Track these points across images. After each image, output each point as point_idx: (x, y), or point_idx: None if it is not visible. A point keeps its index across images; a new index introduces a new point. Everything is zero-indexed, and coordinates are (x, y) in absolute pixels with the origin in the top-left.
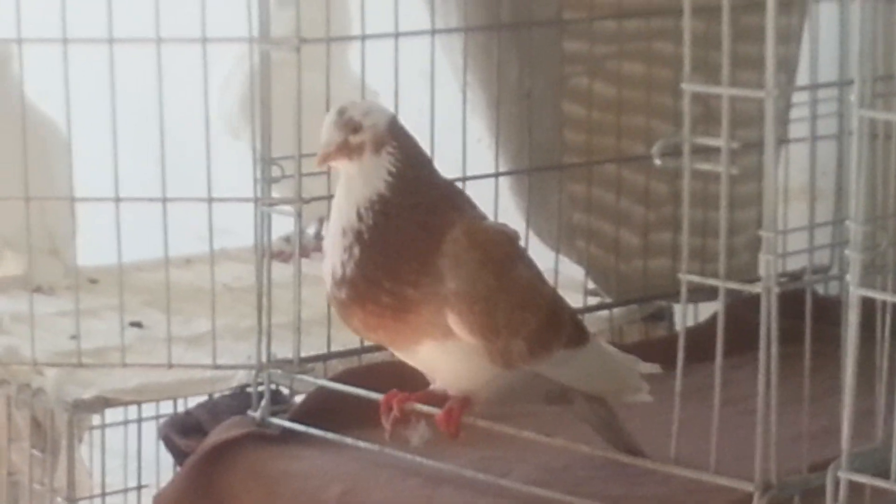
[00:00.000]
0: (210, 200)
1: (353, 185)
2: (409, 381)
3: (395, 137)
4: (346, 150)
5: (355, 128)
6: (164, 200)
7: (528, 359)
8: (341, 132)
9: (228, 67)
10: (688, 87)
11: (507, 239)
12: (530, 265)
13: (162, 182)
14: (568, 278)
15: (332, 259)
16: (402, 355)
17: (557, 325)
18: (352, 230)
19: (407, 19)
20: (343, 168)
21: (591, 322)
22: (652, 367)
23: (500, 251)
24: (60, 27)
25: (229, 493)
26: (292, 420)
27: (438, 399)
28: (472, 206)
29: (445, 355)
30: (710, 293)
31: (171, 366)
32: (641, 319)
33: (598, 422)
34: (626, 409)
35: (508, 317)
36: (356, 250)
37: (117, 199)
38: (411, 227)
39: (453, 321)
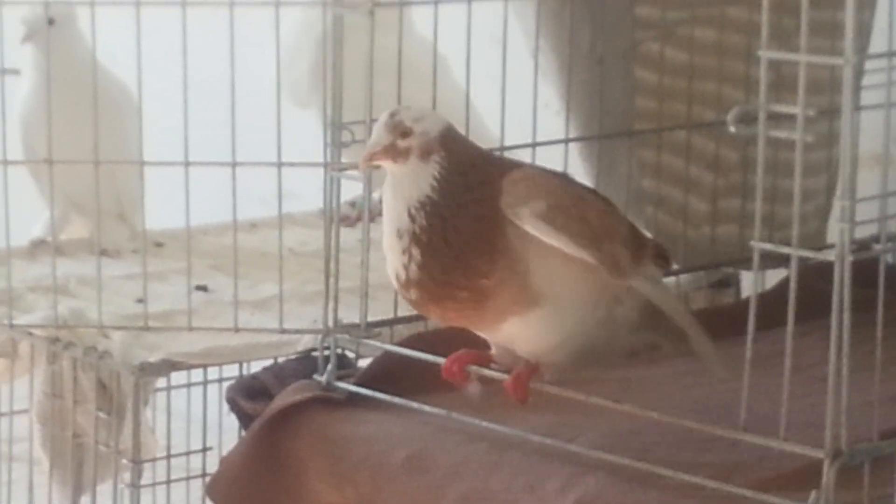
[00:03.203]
0: (280, 165)
1: (399, 186)
2: (475, 345)
3: (446, 147)
4: (392, 152)
5: (405, 132)
6: (234, 165)
7: (633, 266)
8: (390, 135)
9: (294, 34)
10: (765, 54)
11: (560, 173)
12: None
13: (232, 146)
14: None
15: (393, 261)
16: (482, 333)
17: (641, 235)
18: (407, 232)
19: None
20: (388, 169)
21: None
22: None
23: (558, 179)
24: None
25: (295, 456)
26: (358, 384)
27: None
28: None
29: (528, 327)
30: (777, 260)
31: (237, 330)
32: (708, 286)
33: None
34: (692, 376)
35: (599, 222)
36: (415, 252)
37: (187, 164)
38: (469, 221)
39: (556, 238)
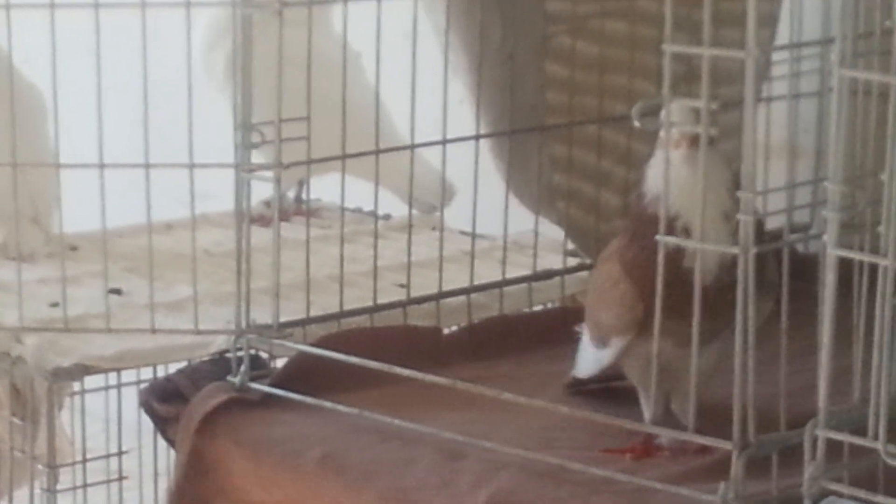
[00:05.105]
0: (192, 166)
1: (710, 171)
2: (384, 346)
3: None
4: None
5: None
6: (147, 166)
7: None
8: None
9: (210, 32)
10: (668, 48)
11: None
12: None
13: (145, 148)
14: (548, 239)
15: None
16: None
17: None
18: (734, 213)
19: None
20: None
21: (571, 283)
22: None
23: None
24: None
25: (218, 459)
26: (273, 385)
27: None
28: None
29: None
30: None
31: (154, 331)
32: None
33: None
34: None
35: None
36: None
37: (101, 166)
38: None
39: None
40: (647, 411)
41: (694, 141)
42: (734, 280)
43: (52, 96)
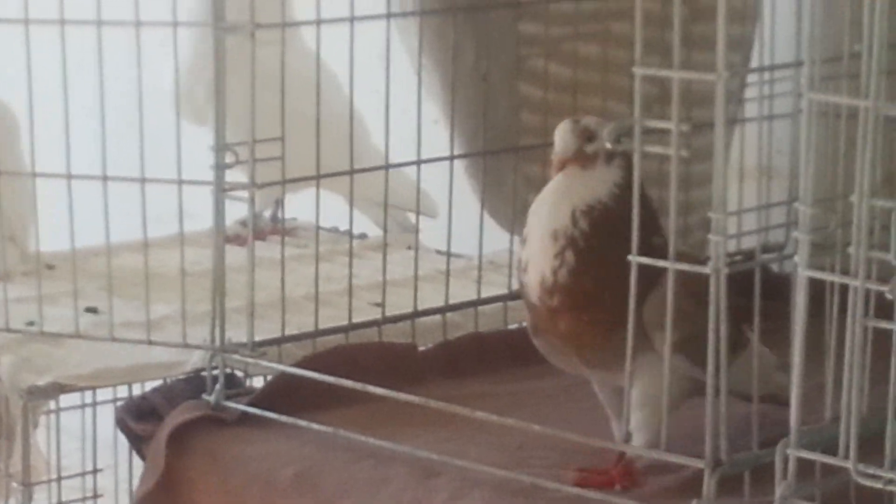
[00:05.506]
0: (180, 182)
1: (571, 189)
2: (360, 364)
3: (625, 151)
4: (581, 158)
5: (590, 136)
6: (143, 181)
7: None
8: (577, 140)
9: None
10: (639, 71)
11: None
12: None
13: (140, 162)
14: None
15: (540, 264)
16: (599, 379)
17: None
18: (564, 234)
19: (363, 2)
20: (568, 175)
21: None
22: None
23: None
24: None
25: (184, 476)
26: (252, 405)
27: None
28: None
29: (650, 375)
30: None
31: (150, 342)
32: None
33: None
34: (581, 388)
35: None
36: (569, 256)
37: (105, 178)
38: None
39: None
40: (617, 432)
41: (560, 165)
42: (573, 307)
43: (63, 112)
